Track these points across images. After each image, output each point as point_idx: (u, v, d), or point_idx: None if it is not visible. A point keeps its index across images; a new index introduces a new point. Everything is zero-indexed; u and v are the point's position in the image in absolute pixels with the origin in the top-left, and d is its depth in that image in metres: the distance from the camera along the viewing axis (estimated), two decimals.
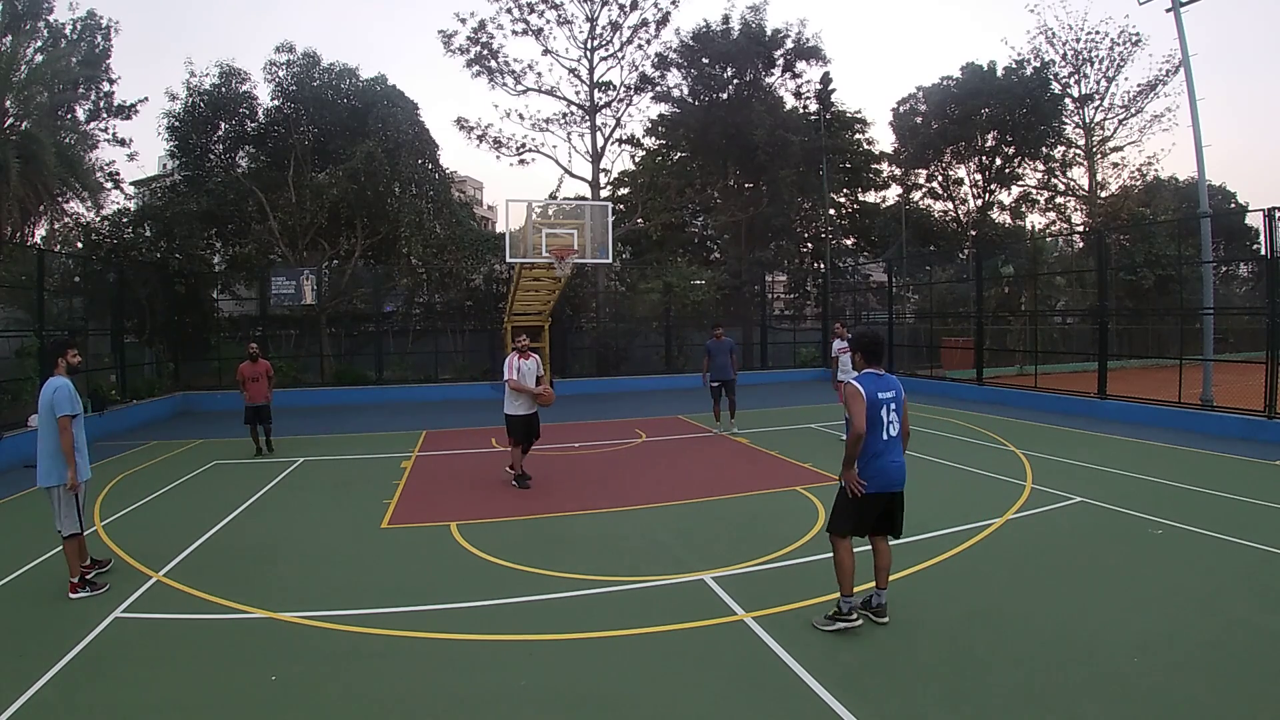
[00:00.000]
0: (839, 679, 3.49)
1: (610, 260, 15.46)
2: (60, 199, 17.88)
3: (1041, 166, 28.15)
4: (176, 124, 18.31)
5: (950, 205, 30.01)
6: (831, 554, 4.15)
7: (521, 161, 24.24)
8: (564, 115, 23.67)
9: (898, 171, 30.72)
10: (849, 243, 31.99)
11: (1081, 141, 27.15)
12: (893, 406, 4.07)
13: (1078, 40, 25.60)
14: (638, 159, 29.69)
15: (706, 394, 11.32)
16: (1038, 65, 25.87)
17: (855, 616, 4.05)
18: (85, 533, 4.91)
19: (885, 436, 4.04)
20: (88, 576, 4.85)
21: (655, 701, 3.37)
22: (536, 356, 8.22)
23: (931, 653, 3.78)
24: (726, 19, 24.02)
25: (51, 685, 3.55)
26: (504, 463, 8.52)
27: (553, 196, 24.71)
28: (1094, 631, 3.96)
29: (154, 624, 4.33)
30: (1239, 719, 3.15)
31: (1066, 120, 26.81)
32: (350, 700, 3.41)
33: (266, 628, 4.25)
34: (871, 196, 32.20)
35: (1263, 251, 10.70)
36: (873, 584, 4.20)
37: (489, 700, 3.40)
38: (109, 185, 19.35)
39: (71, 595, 4.69)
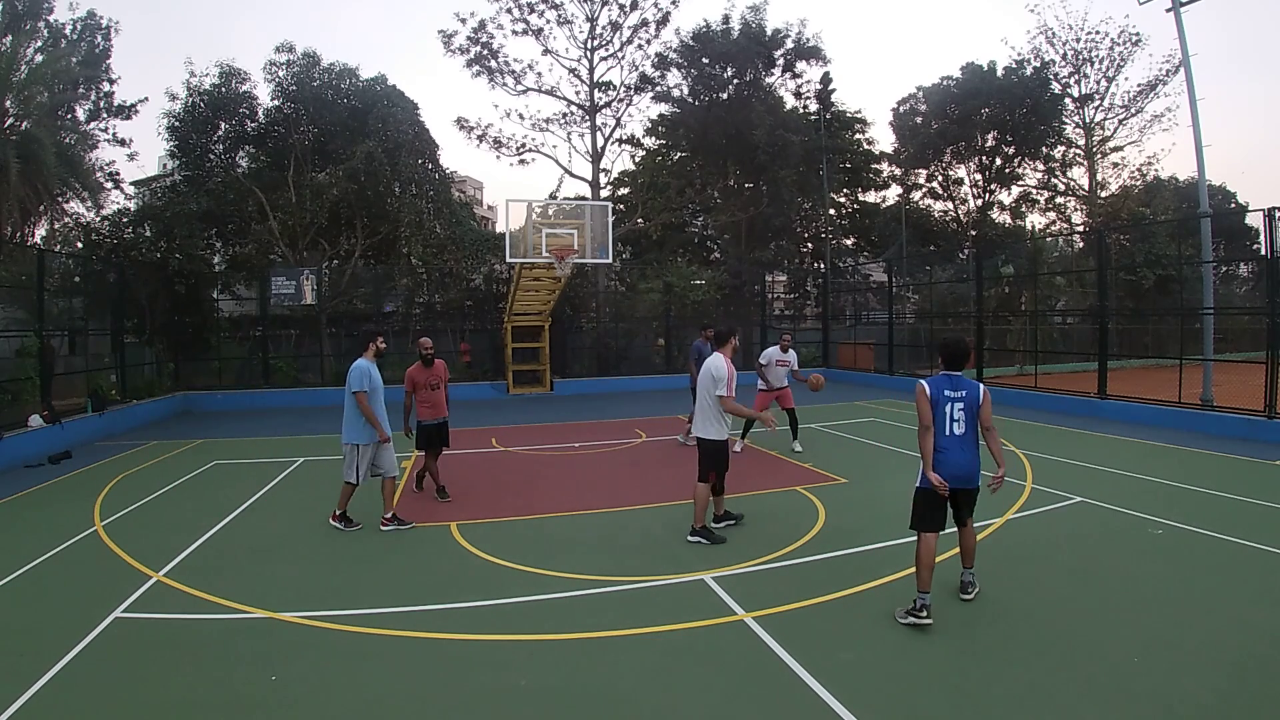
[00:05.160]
0: (839, 679, 3.49)
1: (610, 260, 15.47)
2: (60, 199, 17.89)
3: (1041, 166, 28.18)
4: (176, 124, 18.30)
5: (950, 205, 30.07)
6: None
7: (521, 161, 24.27)
8: (564, 115, 23.71)
9: (898, 171, 30.75)
10: (849, 243, 32.00)
11: (1081, 141, 27.19)
12: (959, 405, 4.23)
13: (1078, 40, 25.69)
14: (638, 159, 29.72)
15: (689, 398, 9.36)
16: (1038, 65, 25.91)
17: (926, 615, 4.01)
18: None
19: (946, 433, 4.22)
20: (347, 514, 6.31)
21: (655, 701, 3.37)
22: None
23: (931, 652, 3.78)
24: (726, 19, 24.02)
25: (51, 685, 3.55)
26: (503, 464, 8.45)
27: (553, 196, 24.77)
28: (1094, 631, 3.96)
29: (154, 624, 4.33)
30: (1239, 719, 3.15)
31: (1066, 120, 26.85)
32: (350, 700, 3.42)
33: (266, 628, 4.25)
34: (871, 196, 32.21)
35: (1263, 251, 10.71)
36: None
37: (490, 700, 3.40)
38: (109, 185, 19.43)
39: (332, 522, 6.29)
